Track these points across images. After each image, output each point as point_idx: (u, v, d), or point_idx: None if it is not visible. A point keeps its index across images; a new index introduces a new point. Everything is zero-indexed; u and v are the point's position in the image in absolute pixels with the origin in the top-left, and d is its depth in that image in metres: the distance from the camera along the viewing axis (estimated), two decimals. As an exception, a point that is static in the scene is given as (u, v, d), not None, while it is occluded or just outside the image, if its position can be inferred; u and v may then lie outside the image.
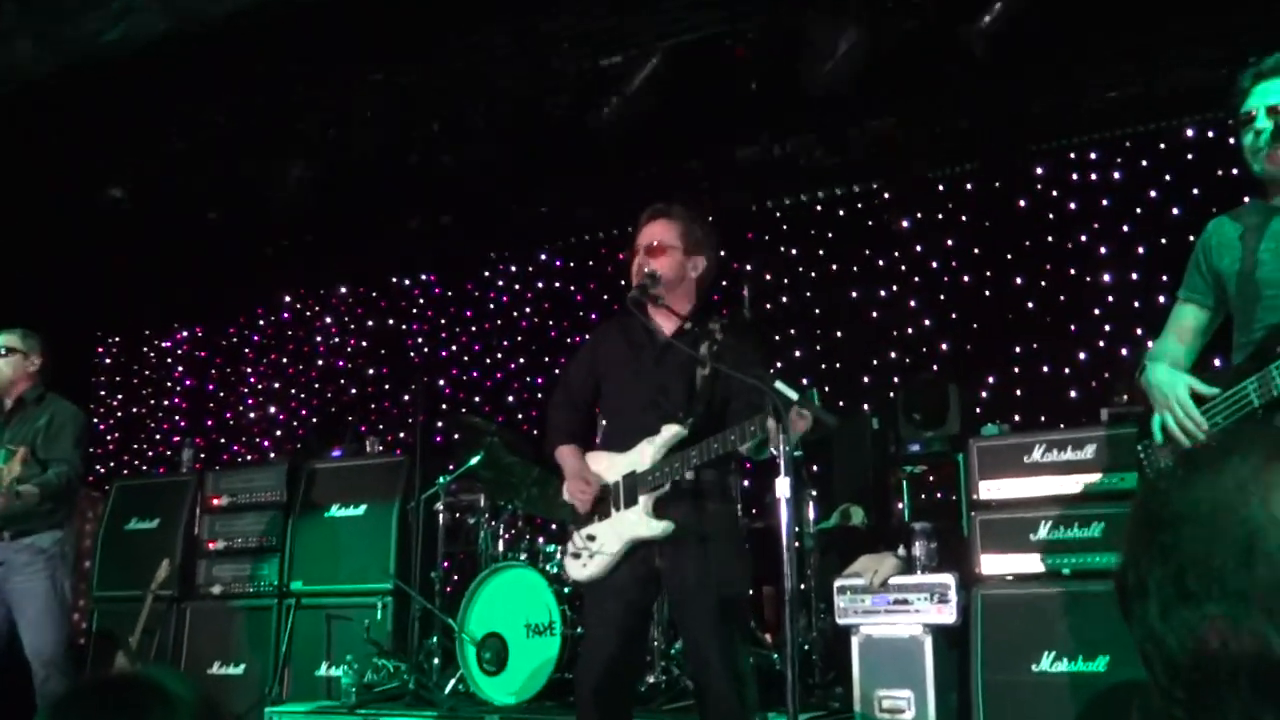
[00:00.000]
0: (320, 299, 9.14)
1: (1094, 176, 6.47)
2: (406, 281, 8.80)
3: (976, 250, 6.74)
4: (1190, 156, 6.17)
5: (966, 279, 6.72)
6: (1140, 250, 6.24)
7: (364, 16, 5.66)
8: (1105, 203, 6.42)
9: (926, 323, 6.81)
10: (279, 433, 9.01)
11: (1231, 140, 2.97)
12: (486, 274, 8.48)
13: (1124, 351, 6.10)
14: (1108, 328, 6.26)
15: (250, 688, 6.01)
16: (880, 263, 7.00)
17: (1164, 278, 5.97)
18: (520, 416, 7.89)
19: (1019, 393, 6.37)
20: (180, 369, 9.70)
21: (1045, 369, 6.40)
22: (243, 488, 6.48)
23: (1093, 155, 6.48)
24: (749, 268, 7.33)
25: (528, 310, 8.29)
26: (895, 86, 6.12)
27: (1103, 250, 6.38)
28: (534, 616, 4.98)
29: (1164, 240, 6.11)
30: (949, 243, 6.81)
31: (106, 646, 6.25)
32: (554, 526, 5.78)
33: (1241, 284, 2.81)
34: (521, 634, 4.99)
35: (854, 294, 7.03)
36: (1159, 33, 5.75)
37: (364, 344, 8.90)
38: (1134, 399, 4.80)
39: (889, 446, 5.66)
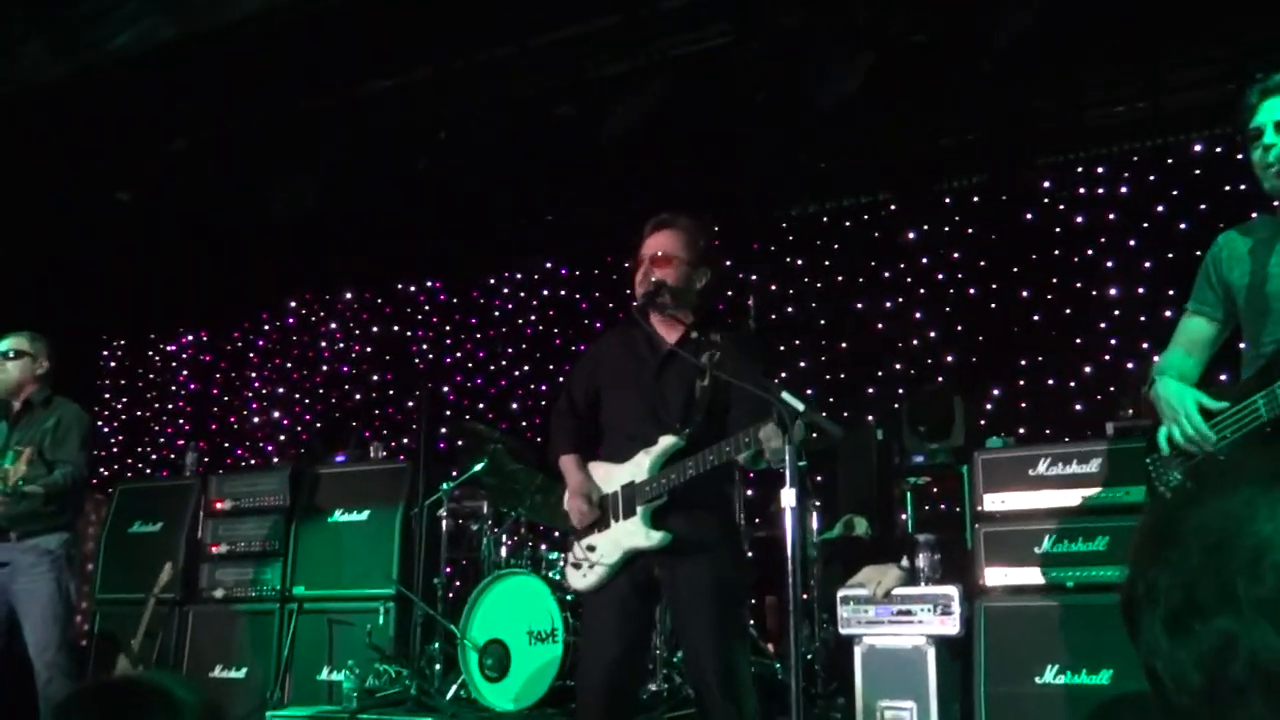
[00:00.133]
0: (325, 304, 9.16)
1: (1101, 190, 6.48)
2: (412, 288, 8.81)
3: (983, 263, 6.75)
4: (1197, 171, 6.18)
5: (972, 291, 6.73)
6: (1147, 264, 6.25)
7: (372, 23, 5.68)
8: (1112, 217, 6.43)
9: (932, 334, 6.81)
10: (283, 437, 9.02)
11: (1239, 156, 2.97)
12: (491, 281, 8.49)
13: (1130, 365, 6.09)
14: (1113, 341, 6.26)
15: (252, 691, 6.00)
16: (886, 274, 7.00)
17: (1170, 292, 5.96)
18: (524, 424, 7.89)
19: (1024, 406, 6.37)
20: (185, 373, 9.72)
21: (1050, 382, 6.40)
22: (246, 492, 6.48)
23: (1100, 169, 6.49)
24: (755, 278, 7.33)
25: (532, 317, 8.30)
26: (903, 99, 6.13)
27: (1109, 264, 6.38)
28: (536, 623, 4.98)
29: (1170, 255, 6.11)
30: (955, 255, 6.81)
31: (109, 649, 6.25)
32: (557, 534, 5.77)
33: (1251, 297, 2.80)
34: (524, 640, 4.98)
35: (860, 305, 7.04)
36: (1166, 48, 5.77)
37: (369, 349, 8.91)
38: (1139, 413, 4.80)
39: (893, 458, 5.66)
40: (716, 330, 3.40)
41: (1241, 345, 3.00)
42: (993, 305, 6.66)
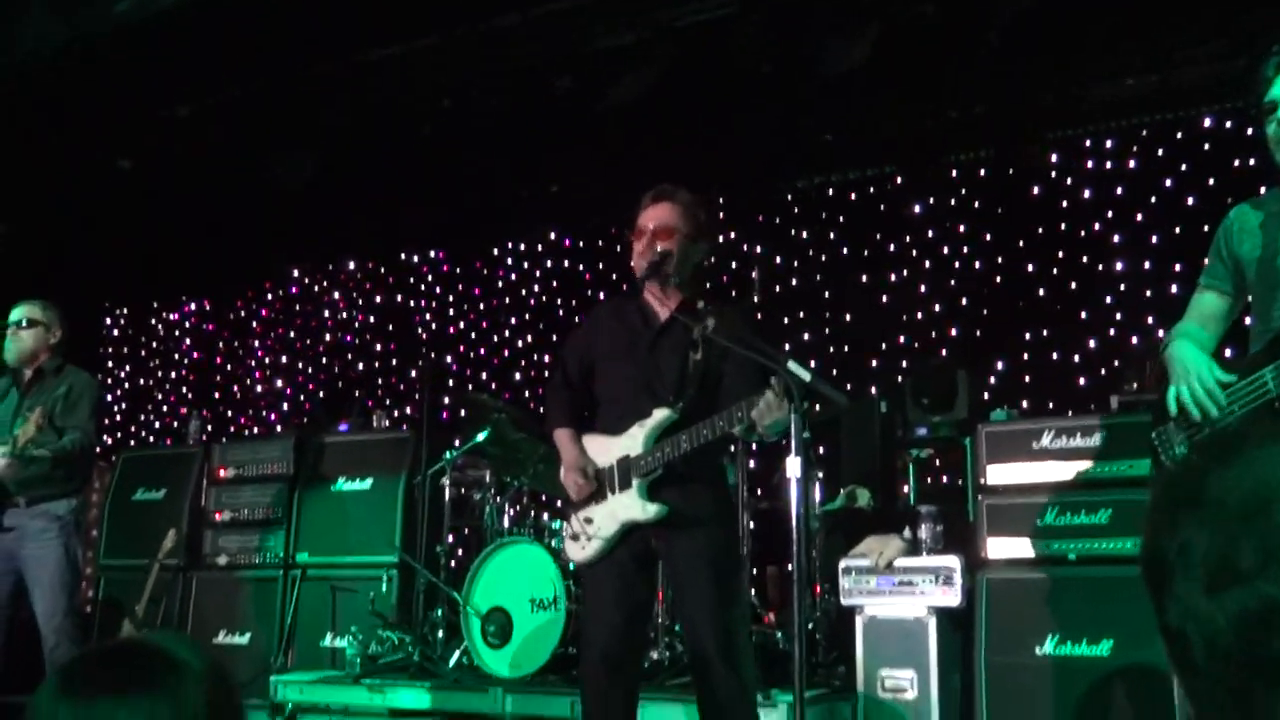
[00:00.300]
0: (328, 274, 9.15)
1: (1109, 165, 6.45)
2: (415, 258, 8.80)
3: (988, 236, 6.73)
4: (1206, 146, 6.14)
5: (978, 265, 6.71)
6: (1154, 239, 6.22)
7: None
8: (1119, 191, 6.40)
9: (936, 308, 6.80)
10: (286, 406, 9.03)
11: (1250, 130, 2.95)
12: (494, 251, 8.47)
13: (1135, 340, 6.08)
14: (1119, 316, 6.25)
15: (256, 657, 6.04)
16: (891, 247, 6.98)
17: (1177, 267, 5.95)
18: (527, 394, 7.90)
19: (1028, 379, 6.37)
20: (187, 341, 9.72)
21: (1055, 356, 6.39)
22: (249, 460, 6.50)
23: (1108, 143, 6.45)
24: (759, 250, 7.31)
25: (535, 288, 8.29)
26: (910, 71, 6.09)
27: (1116, 238, 6.36)
28: (539, 591, 5.00)
29: (1178, 230, 6.09)
30: (961, 228, 6.79)
31: (113, 614, 6.28)
32: (559, 503, 5.79)
33: (1262, 271, 2.79)
34: (526, 608, 5.01)
35: (864, 278, 7.02)
36: (1176, 22, 5.72)
37: (371, 319, 8.91)
38: (1144, 387, 4.80)
39: (896, 430, 5.66)
40: (710, 304, 3.40)
41: (1248, 320, 2.99)
42: (997, 279, 6.65)
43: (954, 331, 6.71)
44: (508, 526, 5.51)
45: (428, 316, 8.67)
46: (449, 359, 8.38)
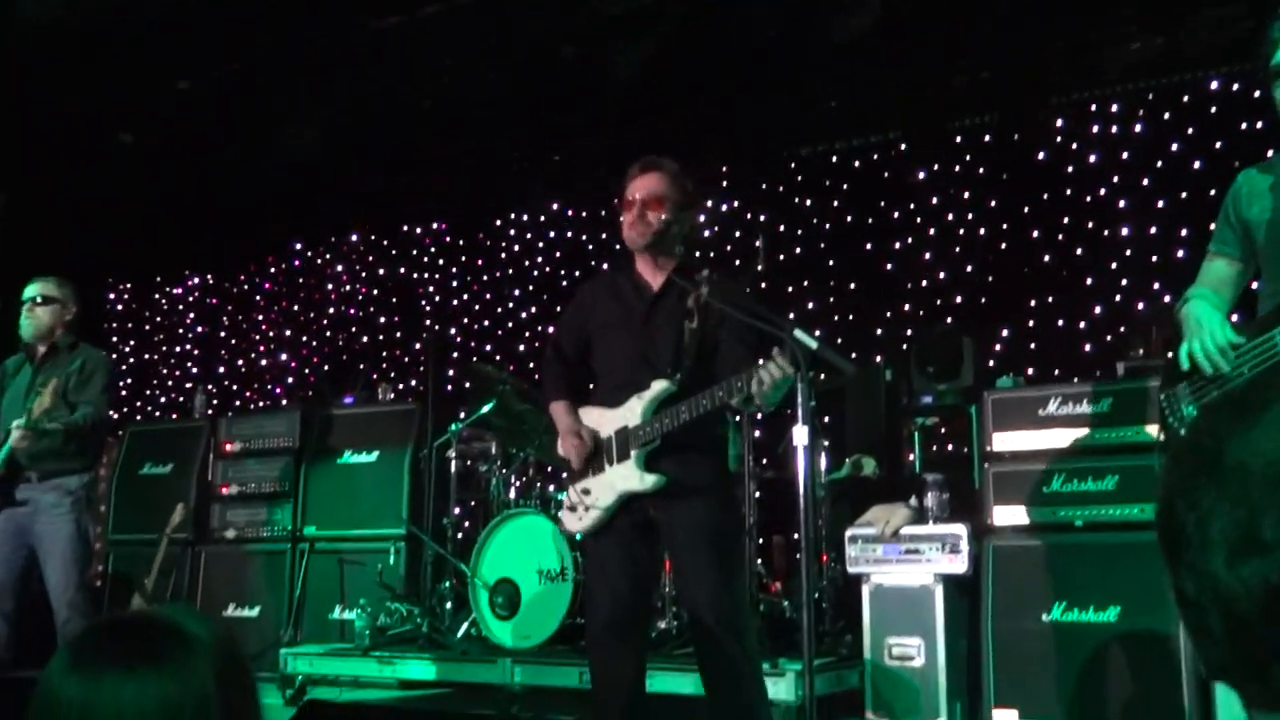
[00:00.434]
0: (331, 246, 9.12)
1: (1115, 129, 6.39)
2: (418, 229, 8.77)
3: (993, 203, 6.69)
4: (1214, 109, 6.08)
5: (982, 231, 6.67)
6: (1160, 204, 6.18)
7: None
8: (1125, 156, 6.34)
9: (941, 275, 6.77)
10: (291, 380, 9.04)
11: (1258, 93, 2.92)
12: (498, 223, 8.44)
13: (1140, 306, 6.06)
14: (1125, 282, 6.21)
15: (265, 630, 6.08)
16: (896, 214, 6.94)
17: (1183, 232, 5.91)
18: (531, 365, 7.88)
19: (1033, 346, 6.34)
20: (192, 316, 9.72)
21: (1060, 322, 6.37)
22: (255, 434, 6.52)
23: (1114, 108, 6.40)
24: (763, 219, 7.28)
25: (539, 259, 8.26)
26: (915, 37, 6.04)
27: (1122, 204, 6.32)
28: (546, 563, 5.02)
29: (1184, 194, 6.04)
30: (966, 195, 6.75)
31: (123, 589, 6.32)
32: (564, 474, 5.79)
33: (1271, 233, 2.77)
34: (534, 579, 5.03)
35: (869, 245, 6.99)
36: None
37: (375, 292, 8.90)
38: (1150, 353, 4.79)
39: (902, 398, 5.65)
40: (701, 272, 3.39)
41: (1255, 285, 2.97)
42: (1003, 245, 6.61)
43: (959, 298, 6.68)
44: (514, 498, 5.53)
45: (431, 289, 8.66)
46: (453, 331, 8.38)
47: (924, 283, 6.81)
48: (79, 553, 4.85)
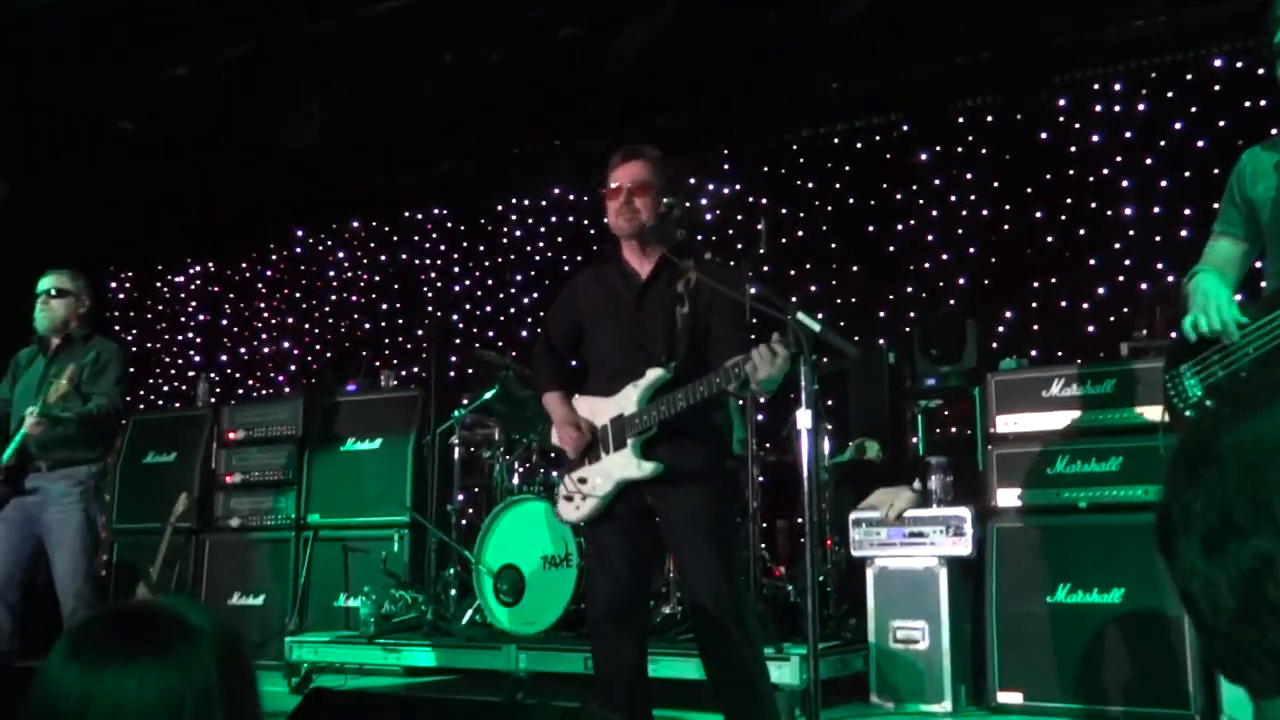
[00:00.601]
0: (332, 233, 9.11)
1: (1118, 108, 6.36)
2: (419, 215, 8.75)
3: (996, 184, 6.66)
4: (1217, 87, 6.05)
5: (985, 213, 6.65)
6: (1163, 183, 6.15)
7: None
8: (1128, 135, 6.31)
9: (944, 257, 6.75)
10: (293, 367, 9.04)
11: (1261, 71, 2.90)
12: (499, 208, 8.42)
13: (1144, 286, 6.04)
14: (1128, 262, 6.19)
15: (270, 618, 6.10)
16: (898, 196, 6.92)
17: (1187, 211, 5.89)
18: (534, 351, 7.87)
19: (1036, 327, 6.33)
20: (193, 304, 9.72)
21: (1064, 303, 6.35)
22: (258, 422, 6.52)
23: (1117, 86, 6.36)
24: (765, 202, 7.26)
25: (540, 244, 8.25)
26: (916, 17, 6.00)
27: (1125, 183, 6.29)
28: (550, 548, 5.02)
29: (1188, 173, 6.02)
30: (968, 176, 6.72)
31: (127, 578, 6.33)
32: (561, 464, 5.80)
33: (1275, 212, 2.76)
34: (538, 566, 5.03)
35: (871, 228, 6.97)
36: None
37: (377, 278, 8.89)
38: (1154, 334, 4.77)
39: (905, 381, 5.64)
40: (688, 258, 3.38)
41: (1259, 264, 2.95)
42: (1006, 226, 6.59)
43: (962, 280, 6.66)
44: (517, 484, 5.52)
45: (433, 274, 8.65)
46: (455, 317, 8.37)
47: (927, 264, 6.79)
48: (87, 543, 4.86)
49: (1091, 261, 6.30)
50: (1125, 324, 5.62)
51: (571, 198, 8.12)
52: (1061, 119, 6.51)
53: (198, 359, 9.50)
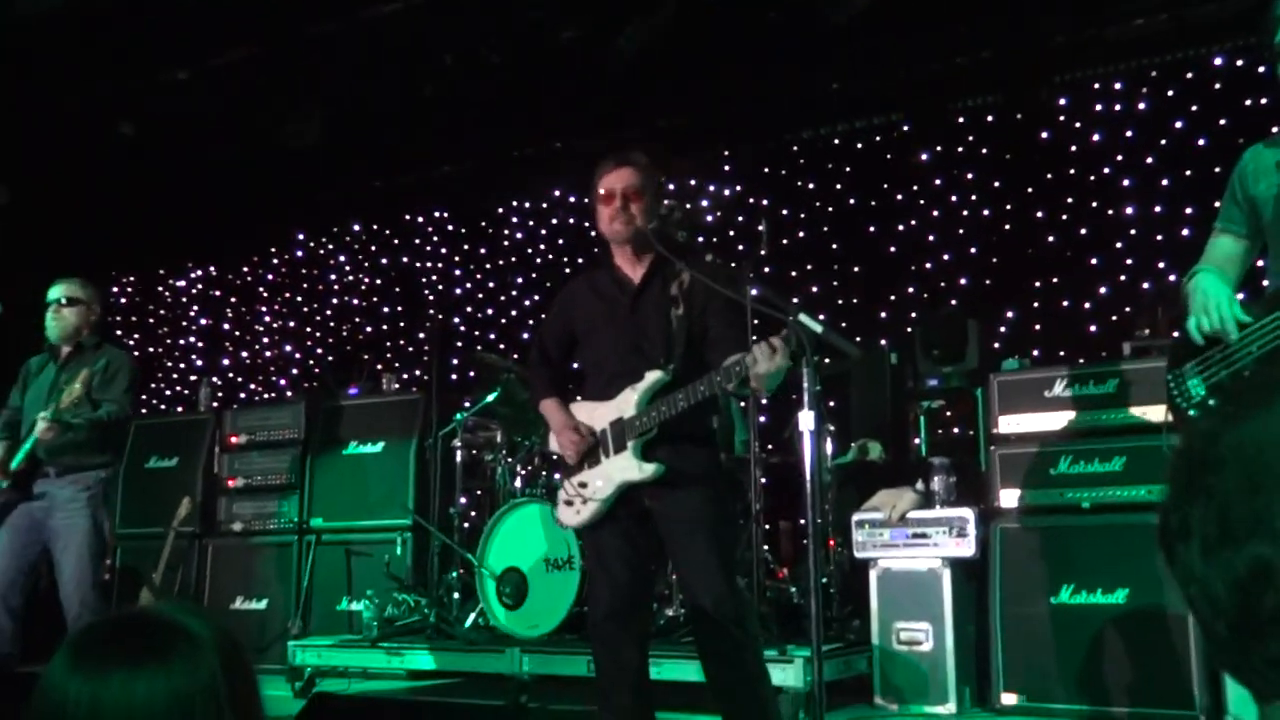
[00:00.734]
0: (333, 236, 9.11)
1: (1118, 107, 6.36)
2: (420, 218, 8.75)
3: (997, 184, 6.65)
4: (1218, 86, 6.04)
5: (986, 213, 6.64)
6: (1164, 182, 6.15)
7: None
8: (1129, 134, 6.31)
9: (945, 257, 6.75)
10: (295, 371, 9.04)
11: (1261, 69, 2.89)
12: (500, 210, 8.42)
13: (1146, 285, 6.03)
14: (1129, 261, 6.19)
15: (273, 622, 6.10)
16: (899, 197, 6.92)
17: (1188, 210, 5.88)
18: (527, 361, 7.86)
19: (1038, 327, 6.32)
20: (195, 308, 9.72)
21: (1065, 303, 6.34)
22: (260, 426, 6.52)
23: (1117, 85, 6.36)
24: (766, 202, 7.25)
25: (542, 246, 8.25)
26: (916, 17, 6.00)
27: (1126, 182, 6.28)
28: (553, 551, 5.01)
29: (1189, 172, 6.01)
30: (969, 176, 6.72)
31: (131, 583, 6.33)
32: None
33: (1277, 210, 2.75)
34: (541, 568, 5.02)
35: (872, 228, 6.96)
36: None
37: (378, 282, 8.89)
38: (1156, 333, 4.76)
39: (907, 381, 5.64)
40: (681, 260, 3.38)
41: (1260, 263, 2.95)
42: (1007, 226, 6.58)
43: (963, 280, 6.66)
44: (520, 487, 5.52)
45: (434, 277, 8.65)
46: (456, 319, 8.37)
47: (928, 265, 6.78)
48: (94, 549, 4.85)
49: (1093, 261, 6.29)
50: (1127, 323, 5.62)
51: (572, 199, 8.12)
52: (1062, 118, 6.51)
53: (199, 363, 9.51)
